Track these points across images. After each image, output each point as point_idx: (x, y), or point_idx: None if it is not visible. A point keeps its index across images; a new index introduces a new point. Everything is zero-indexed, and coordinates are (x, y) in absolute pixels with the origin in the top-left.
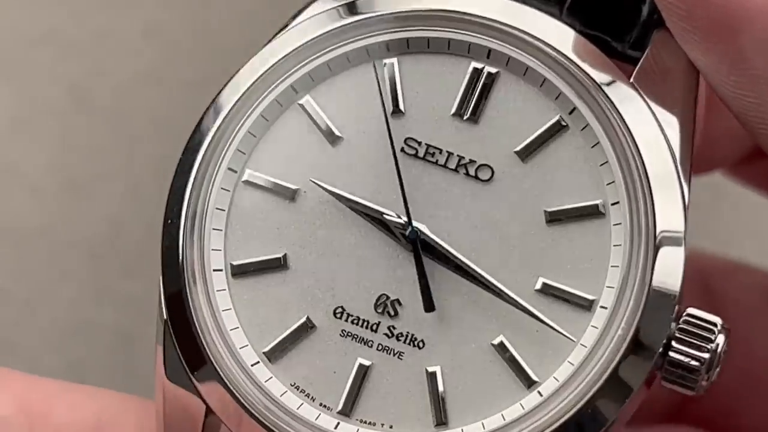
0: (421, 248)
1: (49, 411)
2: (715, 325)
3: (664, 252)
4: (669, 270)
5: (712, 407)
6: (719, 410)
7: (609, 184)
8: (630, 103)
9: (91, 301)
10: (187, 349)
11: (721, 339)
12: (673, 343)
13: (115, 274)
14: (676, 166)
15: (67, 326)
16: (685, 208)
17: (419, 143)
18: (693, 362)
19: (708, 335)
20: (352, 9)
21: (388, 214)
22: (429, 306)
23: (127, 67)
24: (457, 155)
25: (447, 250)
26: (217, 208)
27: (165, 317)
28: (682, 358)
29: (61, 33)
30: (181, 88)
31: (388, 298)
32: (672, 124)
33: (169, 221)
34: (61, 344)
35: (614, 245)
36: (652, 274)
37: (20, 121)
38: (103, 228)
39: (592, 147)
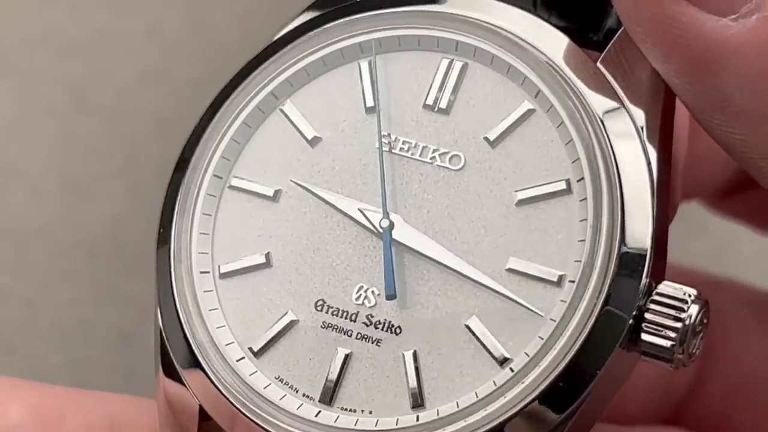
0: (393, 238)
1: (62, 416)
2: (688, 295)
3: (631, 223)
4: (636, 242)
5: (704, 413)
6: (711, 416)
7: (574, 161)
8: (593, 82)
9: (91, 301)
10: (178, 349)
11: (694, 309)
12: (646, 315)
13: (115, 273)
14: (641, 139)
15: (67, 326)
16: (653, 181)
17: (393, 138)
18: (666, 332)
19: (680, 305)
20: (328, 17)
21: (363, 208)
22: (390, 293)
23: (127, 67)
24: (430, 147)
25: (413, 240)
26: (203, 214)
27: (159, 321)
28: (654, 329)
29: (61, 33)
30: (182, 87)
31: (365, 288)
32: (638, 106)
33: (161, 230)
34: (61, 344)
35: (580, 220)
36: (618, 245)
37: (20, 121)
38: (103, 228)
39: (558, 126)
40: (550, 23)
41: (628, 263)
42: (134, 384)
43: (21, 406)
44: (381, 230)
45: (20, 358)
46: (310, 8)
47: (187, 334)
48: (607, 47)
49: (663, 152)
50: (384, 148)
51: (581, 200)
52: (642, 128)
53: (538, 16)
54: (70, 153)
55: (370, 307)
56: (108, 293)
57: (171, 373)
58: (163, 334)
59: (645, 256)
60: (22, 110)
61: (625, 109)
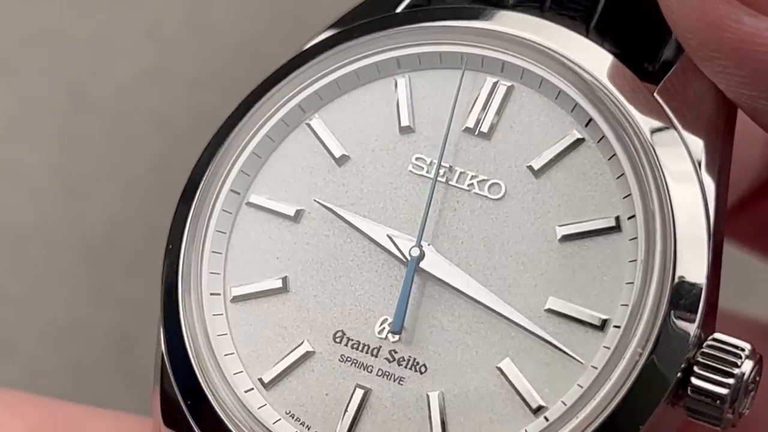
0: (422, 268)
1: None
2: (741, 350)
3: (684, 268)
4: (689, 289)
5: None
6: None
7: (625, 197)
8: (649, 113)
9: (90, 302)
10: (182, 380)
11: (747, 366)
12: (695, 369)
13: (113, 274)
14: (698, 176)
15: (66, 326)
16: (710, 221)
17: (428, 162)
18: (716, 389)
19: (733, 360)
20: (362, 29)
21: (392, 235)
22: (396, 328)
23: (127, 66)
24: (468, 173)
25: (444, 272)
26: (217, 231)
27: (161, 344)
28: (702, 385)
29: (60, 32)
30: (181, 88)
31: (390, 321)
32: (696, 141)
33: (170, 246)
34: (60, 344)
35: (629, 261)
36: (670, 291)
37: (19, 121)
38: (101, 228)
39: (609, 159)
40: (603, 49)
41: (678, 312)
42: (133, 384)
43: (20, 425)
44: (410, 259)
45: (18, 359)
46: (332, 26)
47: (192, 361)
48: (665, 77)
49: (720, 188)
50: (416, 172)
51: (631, 239)
52: (700, 162)
53: (591, 41)
54: (68, 153)
55: (393, 342)
56: (106, 294)
57: (171, 417)
58: (165, 360)
59: (697, 304)
60: (21, 110)
61: (683, 141)
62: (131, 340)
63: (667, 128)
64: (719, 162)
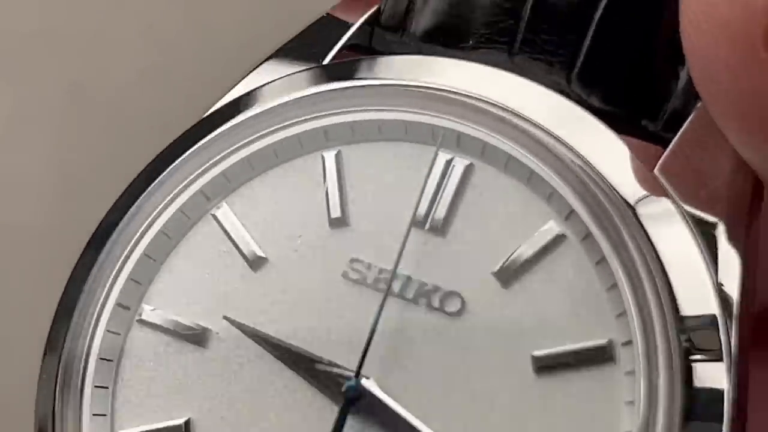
0: (361, 411)
1: None
2: None
3: (698, 410)
4: None
5: None
6: None
7: (619, 315)
8: (650, 201)
9: None
10: None
11: None
12: None
13: None
14: (716, 287)
15: None
16: (731, 357)
17: (368, 266)
18: None
19: None
20: (283, 87)
21: (321, 368)
22: None
23: (127, 66)
24: (417, 281)
25: (388, 418)
26: (101, 359)
27: None
28: None
29: (60, 31)
30: (181, 87)
31: None
32: (714, 229)
33: (44, 376)
34: None
35: (625, 402)
36: None
37: (18, 120)
38: None
39: (597, 264)
40: (589, 105)
41: None
42: None
43: None
44: (341, 399)
45: (18, 359)
46: (276, 56)
47: None
48: (672, 143)
49: (744, 305)
50: (352, 278)
51: (627, 373)
52: (717, 263)
53: (572, 95)
54: (68, 153)
55: None
56: None
57: None
58: None
59: None
60: (20, 109)
61: (695, 236)
62: None
63: (674, 219)
64: (742, 264)
